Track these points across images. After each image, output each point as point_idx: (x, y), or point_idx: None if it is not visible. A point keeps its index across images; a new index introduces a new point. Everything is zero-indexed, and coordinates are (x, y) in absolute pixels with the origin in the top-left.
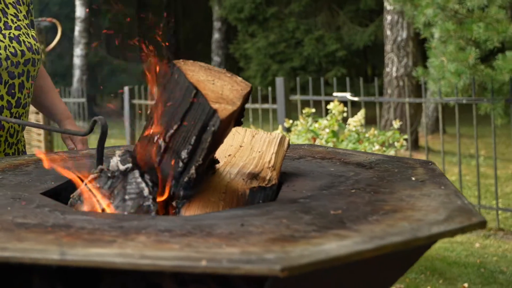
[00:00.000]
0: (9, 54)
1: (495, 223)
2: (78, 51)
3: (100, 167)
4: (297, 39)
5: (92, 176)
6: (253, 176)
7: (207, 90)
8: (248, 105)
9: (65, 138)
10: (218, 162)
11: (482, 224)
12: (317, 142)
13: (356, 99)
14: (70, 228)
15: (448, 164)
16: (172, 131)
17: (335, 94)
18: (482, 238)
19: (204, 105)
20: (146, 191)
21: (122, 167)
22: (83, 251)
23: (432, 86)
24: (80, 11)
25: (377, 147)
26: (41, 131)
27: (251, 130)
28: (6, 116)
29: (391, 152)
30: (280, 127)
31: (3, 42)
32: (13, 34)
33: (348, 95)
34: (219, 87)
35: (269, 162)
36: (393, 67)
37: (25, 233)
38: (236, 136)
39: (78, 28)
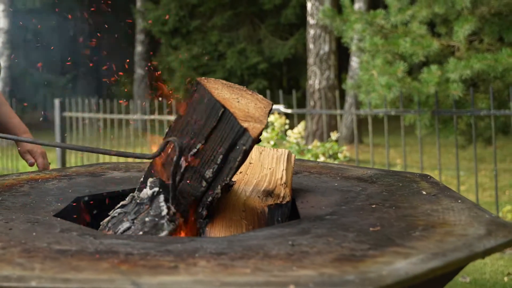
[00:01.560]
0: None
1: None
2: (1, 62)
3: (131, 195)
4: (220, 52)
5: (122, 202)
6: (268, 193)
7: (234, 108)
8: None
9: (24, 153)
10: (231, 181)
11: None
12: None
13: (289, 111)
14: (117, 255)
15: None
16: (195, 150)
17: None
18: None
19: (233, 123)
20: (164, 212)
21: (149, 192)
22: (153, 279)
23: (363, 99)
24: (3, 22)
25: (322, 158)
26: None
27: (258, 146)
28: None
29: (336, 163)
30: None
31: None
32: None
33: (281, 107)
34: (245, 105)
35: (281, 179)
36: (315, 80)
37: (75, 262)
38: None
39: (1, 39)
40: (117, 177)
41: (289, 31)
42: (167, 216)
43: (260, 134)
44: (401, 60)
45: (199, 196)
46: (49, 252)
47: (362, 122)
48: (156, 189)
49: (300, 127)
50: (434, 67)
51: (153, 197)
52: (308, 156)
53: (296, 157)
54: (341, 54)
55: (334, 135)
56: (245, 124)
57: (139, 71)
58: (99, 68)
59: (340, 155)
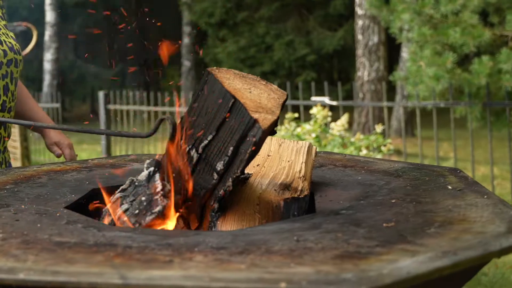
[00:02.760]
0: None
1: None
2: (48, 55)
3: (130, 178)
4: (267, 44)
5: (122, 187)
6: (285, 186)
7: (245, 99)
8: None
9: (50, 145)
10: (244, 174)
11: None
12: None
13: (334, 103)
14: (116, 247)
15: None
16: (206, 141)
17: (313, 98)
18: None
19: (243, 114)
20: (159, 188)
21: (145, 172)
22: (143, 273)
23: (410, 90)
24: (50, 16)
25: (364, 151)
26: (16, 137)
27: (277, 138)
28: None
29: (379, 156)
30: None
31: None
32: None
33: (326, 100)
34: (257, 96)
35: (300, 172)
36: (364, 71)
37: (70, 254)
38: (263, 145)
39: (48, 32)
40: (137, 169)
41: (338, 22)
42: (161, 192)
43: (273, 125)
44: (451, 50)
45: (211, 189)
46: (48, 244)
47: (414, 115)
48: (152, 168)
49: (343, 119)
50: (485, 58)
51: (149, 177)
52: (350, 149)
53: (339, 151)
54: (392, 45)
55: (379, 128)
56: (255, 115)
57: (186, 63)
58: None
59: (383, 148)
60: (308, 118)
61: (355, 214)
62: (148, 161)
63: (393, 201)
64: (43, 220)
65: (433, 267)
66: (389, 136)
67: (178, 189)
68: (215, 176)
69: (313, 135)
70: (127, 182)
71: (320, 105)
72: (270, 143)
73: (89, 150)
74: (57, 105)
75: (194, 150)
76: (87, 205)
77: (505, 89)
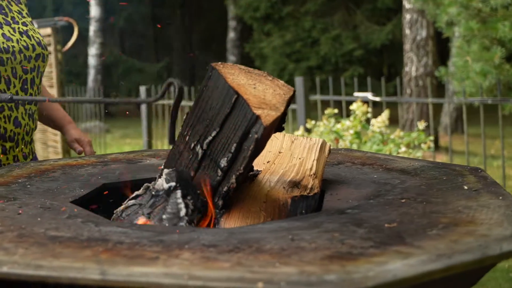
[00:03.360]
0: (21, 47)
1: None
2: (93, 50)
3: (146, 184)
4: (313, 38)
5: (136, 192)
6: (294, 184)
7: (248, 94)
8: None
9: (71, 142)
10: (253, 170)
11: None
12: (340, 143)
13: (377, 99)
14: (107, 243)
15: (469, 164)
16: (210, 137)
17: (356, 94)
18: None
19: (245, 110)
20: (183, 212)
21: (166, 186)
22: (125, 270)
23: (457, 86)
24: (95, 11)
25: (403, 148)
26: (58, 131)
27: (290, 135)
28: (22, 113)
29: (418, 154)
30: (301, 127)
31: (14, 36)
32: (22, 29)
33: (369, 95)
34: (261, 92)
35: (311, 169)
36: (412, 67)
37: (60, 248)
38: (274, 141)
39: (93, 27)
40: (153, 164)
41: (386, 16)
42: (186, 218)
43: (276, 122)
44: (499, 45)
45: (216, 186)
46: (41, 238)
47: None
48: (173, 184)
49: (384, 116)
50: None
51: (169, 191)
52: (389, 146)
53: (379, 148)
54: (442, 40)
55: (421, 125)
56: (258, 112)
57: (231, 58)
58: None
59: (423, 146)
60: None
61: (360, 213)
62: (167, 171)
63: (403, 200)
64: (45, 214)
65: (423, 270)
66: (438, 133)
67: (200, 207)
68: (219, 172)
69: (351, 131)
70: (142, 189)
71: (360, 100)
72: (282, 140)
73: (132, 144)
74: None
75: (199, 146)
76: (97, 200)
77: None
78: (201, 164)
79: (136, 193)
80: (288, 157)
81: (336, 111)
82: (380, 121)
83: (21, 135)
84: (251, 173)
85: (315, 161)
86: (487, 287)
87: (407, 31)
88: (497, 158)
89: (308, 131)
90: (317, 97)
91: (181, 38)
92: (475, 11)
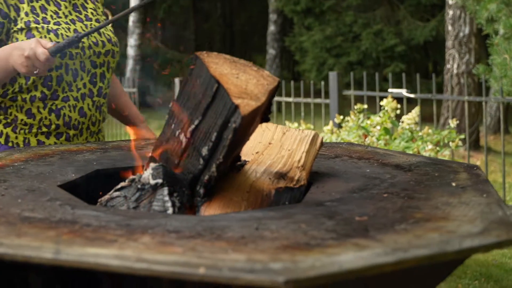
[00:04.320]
0: (91, 43)
1: None
2: (131, 41)
3: (131, 177)
4: (354, 33)
5: (122, 184)
6: (281, 175)
7: (229, 84)
8: (300, 99)
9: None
10: (240, 160)
11: None
12: (368, 139)
13: (412, 95)
14: (74, 224)
15: (510, 165)
16: (193, 126)
17: (390, 90)
18: None
19: (226, 100)
20: (170, 211)
21: (152, 182)
22: (79, 250)
23: (494, 85)
24: (134, 1)
25: (430, 146)
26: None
27: (282, 126)
28: (88, 104)
29: (446, 152)
30: (331, 122)
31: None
32: (94, 25)
33: (404, 92)
34: (244, 82)
35: (299, 161)
36: (454, 64)
37: (27, 228)
38: (266, 132)
39: (132, 18)
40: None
41: (431, 12)
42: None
43: (256, 112)
44: None
45: (198, 174)
46: (14, 218)
47: (507, 111)
48: (160, 180)
49: (414, 113)
50: None
51: (155, 187)
52: (418, 144)
53: (407, 144)
54: (485, 37)
55: (453, 123)
56: (237, 101)
57: (271, 51)
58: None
59: (451, 144)
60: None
61: (337, 206)
62: (154, 166)
63: (385, 195)
64: (28, 196)
65: (371, 263)
66: (479, 132)
67: (186, 203)
68: (201, 161)
69: (378, 127)
70: (128, 180)
71: (391, 96)
72: (274, 131)
73: None
74: (134, 89)
75: (183, 134)
76: (88, 185)
77: None
78: (185, 152)
79: (121, 184)
80: (278, 149)
81: (365, 106)
82: (410, 118)
83: (86, 124)
84: (239, 163)
85: (304, 153)
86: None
87: (450, 28)
88: None
89: (338, 126)
90: (351, 92)
91: (221, 31)
92: None
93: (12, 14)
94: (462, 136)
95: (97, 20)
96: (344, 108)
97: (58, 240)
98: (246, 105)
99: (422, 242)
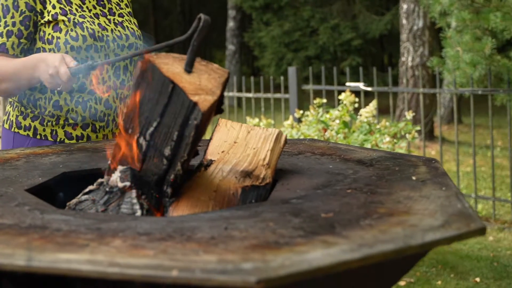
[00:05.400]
0: (115, 37)
1: (510, 216)
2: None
3: (99, 180)
4: (312, 28)
5: (90, 187)
6: (247, 174)
7: (184, 82)
8: (260, 94)
9: None
10: (198, 154)
11: (482, 231)
12: (327, 133)
13: (369, 89)
14: (45, 230)
15: (464, 154)
16: (152, 128)
17: (348, 84)
18: (496, 231)
19: (183, 98)
20: (138, 213)
21: (120, 185)
22: (51, 256)
23: (447, 77)
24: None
25: (388, 138)
26: None
27: (247, 125)
28: (113, 96)
29: (403, 144)
30: (291, 117)
31: (109, 26)
32: (117, 20)
33: (361, 85)
34: (196, 78)
35: (264, 159)
36: (408, 57)
37: None
38: (231, 131)
39: None
40: None
41: (385, 5)
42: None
43: (214, 105)
44: (491, 36)
45: (162, 175)
46: None
47: (462, 101)
48: (127, 183)
49: (371, 106)
50: None
51: (124, 190)
52: (376, 136)
53: (365, 138)
54: (438, 30)
55: (409, 115)
56: (195, 98)
57: (230, 47)
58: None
59: (408, 136)
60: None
61: (303, 203)
62: (122, 168)
63: (349, 191)
64: None
65: (339, 259)
66: (433, 123)
67: (154, 205)
68: (165, 161)
69: (337, 121)
70: (95, 184)
71: (349, 90)
72: (239, 130)
73: None
74: None
75: (142, 138)
76: (55, 188)
77: None
78: (147, 155)
79: (89, 188)
80: (243, 147)
81: (324, 100)
82: (367, 111)
83: (112, 116)
84: (206, 163)
85: (269, 151)
86: (470, 275)
87: (404, 21)
88: (496, 148)
89: (298, 120)
90: (310, 86)
91: (180, 27)
92: (468, 1)
93: (38, 7)
94: (418, 128)
95: (120, 15)
96: (303, 102)
97: (29, 246)
98: (204, 101)
99: (387, 237)
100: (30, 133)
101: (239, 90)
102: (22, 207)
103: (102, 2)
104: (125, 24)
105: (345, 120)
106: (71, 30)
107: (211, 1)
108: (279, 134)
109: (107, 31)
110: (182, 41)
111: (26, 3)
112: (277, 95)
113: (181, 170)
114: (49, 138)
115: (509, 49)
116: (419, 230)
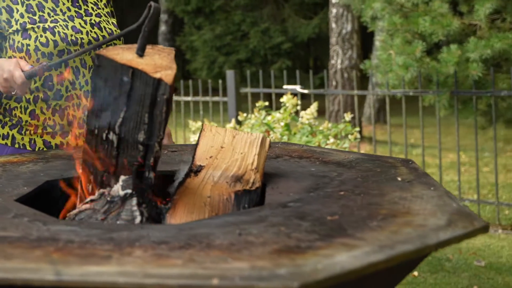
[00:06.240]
0: (91, 38)
1: None
2: None
3: (101, 190)
4: (243, 32)
5: (91, 197)
6: (237, 178)
7: (141, 65)
8: (199, 98)
9: None
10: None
11: (485, 229)
12: (271, 135)
13: (306, 91)
14: (57, 242)
15: (395, 154)
16: (120, 119)
17: (285, 86)
18: None
19: (146, 79)
20: (137, 220)
21: (121, 193)
22: (79, 269)
23: (380, 79)
24: None
25: (332, 140)
26: None
27: (231, 130)
28: None
29: (345, 145)
30: (232, 120)
31: (85, 28)
32: (94, 20)
33: (298, 88)
34: (150, 59)
35: (252, 164)
36: (338, 59)
37: (10, 249)
38: (216, 136)
39: None
40: None
41: (314, 10)
42: (141, 225)
43: (175, 79)
44: (421, 39)
45: (141, 161)
46: None
47: (386, 102)
48: (129, 191)
49: (312, 108)
50: (453, 47)
51: (125, 198)
52: (319, 138)
53: (308, 139)
54: (365, 34)
55: (348, 116)
56: (157, 75)
57: None
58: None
59: (350, 137)
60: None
61: (302, 206)
62: (124, 178)
63: (342, 193)
64: None
65: (367, 262)
66: (361, 123)
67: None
68: (140, 147)
69: (282, 123)
70: (97, 194)
71: (290, 93)
72: (224, 135)
73: None
74: None
75: (111, 133)
76: (41, 198)
77: (472, 78)
78: (119, 148)
79: (90, 197)
80: (230, 152)
81: (267, 103)
82: (309, 113)
83: None
84: (195, 168)
85: (256, 156)
86: None
87: (333, 25)
88: (416, 146)
89: (240, 123)
90: (248, 89)
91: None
92: (398, 6)
93: (5, 16)
94: (357, 129)
95: (97, 15)
96: (240, 105)
97: (51, 260)
98: (167, 75)
99: (402, 238)
100: (9, 142)
101: (177, 94)
102: (21, 218)
103: (77, 4)
104: (103, 24)
105: (287, 123)
106: (41, 36)
107: (143, 5)
108: (264, 139)
109: (82, 33)
110: (132, 31)
111: None
112: (215, 98)
113: (159, 150)
114: (28, 147)
115: (436, 51)
116: (429, 230)
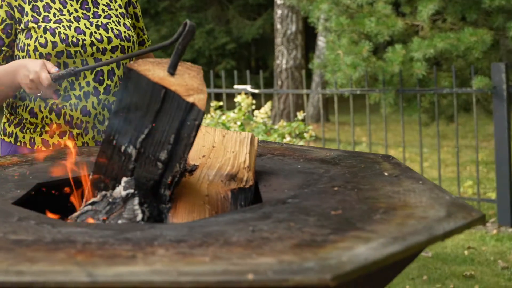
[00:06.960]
0: (94, 40)
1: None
2: None
3: (103, 192)
4: None
5: (93, 199)
6: (231, 177)
7: (173, 85)
8: None
9: None
10: (193, 164)
11: (482, 219)
12: None
13: (256, 91)
14: (74, 244)
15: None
16: (143, 135)
17: (236, 86)
18: None
19: (178, 101)
20: (139, 217)
21: (123, 193)
22: (110, 270)
23: (329, 78)
24: None
25: (288, 138)
26: None
27: (221, 129)
28: (93, 102)
29: (301, 143)
30: None
31: (89, 29)
32: (101, 22)
33: (248, 88)
34: (181, 79)
35: (244, 162)
36: (283, 59)
37: (30, 252)
38: (207, 136)
39: None
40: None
41: (257, 11)
42: (142, 223)
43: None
44: (367, 39)
45: (158, 179)
46: (5, 242)
47: (328, 101)
48: (131, 191)
49: (266, 107)
50: (398, 47)
51: (126, 198)
52: (274, 136)
53: (263, 138)
54: (309, 34)
55: (300, 115)
56: (190, 99)
57: None
58: None
59: (306, 135)
60: (230, 106)
61: (301, 202)
62: (126, 179)
63: (336, 188)
64: None
65: (387, 252)
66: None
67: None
68: (160, 165)
69: (238, 123)
70: (99, 196)
71: (244, 93)
72: (214, 134)
73: None
74: None
75: (131, 147)
76: (35, 201)
77: (416, 77)
78: (137, 163)
79: (92, 199)
80: (222, 151)
81: (221, 103)
82: (263, 112)
83: (91, 123)
84: (190, 168)
85: (247, 154)
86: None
87: (278, 26)
88: (358, 143)
89: None
90: None
91: None
92: (344, 7)
93: (17, 15)
94: (310, 127)
95: (106, 16)
96: None
97: (77, 262)
98: (200, 100)
99: (410, 230)
100: (12, 140)
101: None
102: (27, 221)
103: (86, 6)
104: (110, 26)
105: (242, 122)
106: (40, 36)
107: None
108: (253, 138)
109: (85, 34)
110: (166, 47)
111: (6, 11)
112: None
113: (180, 171)
114: (28, 146)
115: (381, 51)
116: (432, 222)
